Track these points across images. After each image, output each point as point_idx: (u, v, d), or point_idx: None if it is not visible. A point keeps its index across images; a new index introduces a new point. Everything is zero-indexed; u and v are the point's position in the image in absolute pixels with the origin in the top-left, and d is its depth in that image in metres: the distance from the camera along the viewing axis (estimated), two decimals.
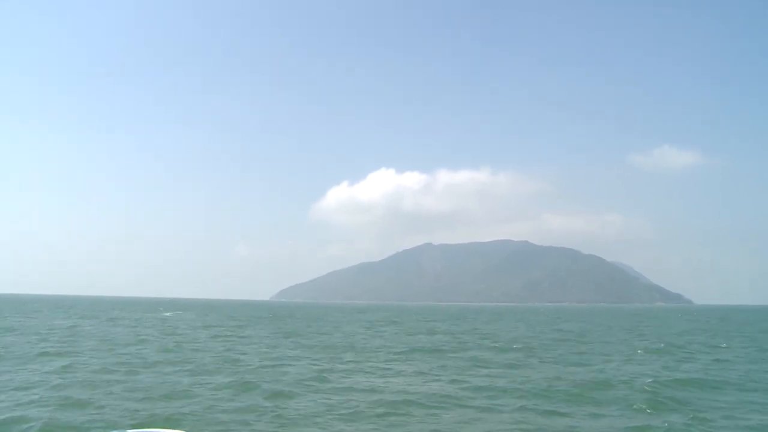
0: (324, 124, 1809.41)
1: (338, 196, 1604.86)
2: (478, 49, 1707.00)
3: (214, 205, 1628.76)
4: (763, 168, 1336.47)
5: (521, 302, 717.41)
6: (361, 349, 40.88)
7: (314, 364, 31.60)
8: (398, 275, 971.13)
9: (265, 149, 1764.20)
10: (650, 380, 26.41)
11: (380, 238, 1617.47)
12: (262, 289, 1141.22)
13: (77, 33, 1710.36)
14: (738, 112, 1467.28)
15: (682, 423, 18.75)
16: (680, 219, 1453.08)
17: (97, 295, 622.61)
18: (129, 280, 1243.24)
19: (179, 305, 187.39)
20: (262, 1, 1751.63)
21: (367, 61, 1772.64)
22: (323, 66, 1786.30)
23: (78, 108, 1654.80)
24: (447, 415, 19.77)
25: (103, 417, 18.07)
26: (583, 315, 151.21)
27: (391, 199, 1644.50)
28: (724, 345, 49.36)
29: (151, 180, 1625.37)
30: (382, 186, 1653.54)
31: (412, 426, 18.34)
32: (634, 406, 21.21)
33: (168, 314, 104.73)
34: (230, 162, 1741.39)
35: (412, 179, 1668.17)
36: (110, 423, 17.30)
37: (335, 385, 25.13)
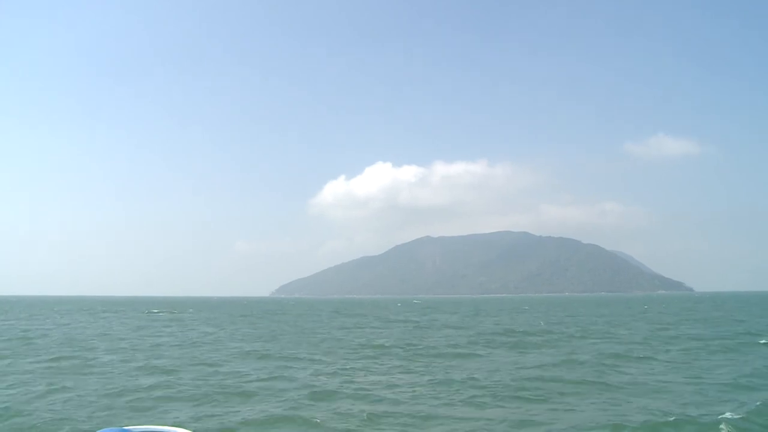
0: (319, 119, 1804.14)
1: (335, 190, 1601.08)
2: (473, 41, 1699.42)
3: (211, 201, 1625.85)
4: (757, 154, 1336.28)
5: (522, 293, 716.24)
6: (360, 351, 37.87)
7: (303, 369, 28.65)
8: (397, 269, 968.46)
9: (261, 145, 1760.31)
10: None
11: (379, 232, 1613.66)
12: (262, 285, 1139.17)
13: (74, 33, 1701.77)
14: (732, 100, 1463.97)
15: None
16: (678, 207, 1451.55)
17: (95, 296, 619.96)
18: (127, 280, 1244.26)
19: (174, 304, 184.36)
20: None
21: (362, 54, 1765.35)
22: (318, 60, 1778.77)
23: (75, 105, 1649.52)
24: None
25: None
26: (595, 305, 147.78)
27: (388, 193, 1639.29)
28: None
29: (149, 178, 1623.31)
30: (380, 179, 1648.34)
31: None
32: None
33: (157, 312, 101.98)
34: (226, 158, 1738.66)
35: (410, 172, 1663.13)
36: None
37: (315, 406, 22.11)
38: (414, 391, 22.91)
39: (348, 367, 29.67)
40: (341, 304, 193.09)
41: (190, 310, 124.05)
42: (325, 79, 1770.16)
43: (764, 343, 38.62)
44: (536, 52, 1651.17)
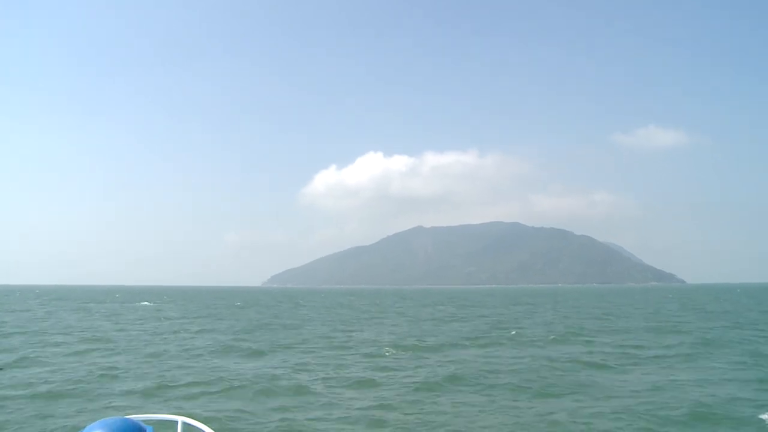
0: (311, 109, 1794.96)
1: (326, 180, 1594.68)
2: (463, 32, 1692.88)
3: (203, 192, 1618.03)
4: (748, 145, 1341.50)
5: (512, 284, 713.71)
6: (356, 348, 32.27)
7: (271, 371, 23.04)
8: (389, 258, 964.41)
9: (251, 135, 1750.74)
10: None
11: (370, 221, 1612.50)
12: (254, 275, 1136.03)
13: (72, 26, 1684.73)
14: (722, 91, 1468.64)
15: None
16: (668, 198, 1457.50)
17: (93, 285, 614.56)
18: (125, 269, 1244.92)
19: (162, 294, 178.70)
20: None
21: (354, 46, 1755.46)
22: (310, 52, 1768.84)
23: (69, 97, 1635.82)
24: None
25: None
26: (595, 298, 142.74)
27: (380, 183, 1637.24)
28: None
29: (145, 172, 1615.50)
30: (371, 169, 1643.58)
31: None
32: None
33: (146, 303, 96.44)
34: (217, 150, 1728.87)
35: (401, 162, 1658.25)
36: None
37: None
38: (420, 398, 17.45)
39: (337, 364, 24.12)
40: (332, 295, 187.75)
41: (179, 300, 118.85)
42: (317, 70, 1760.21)
43: None
44: (527, 43, 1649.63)
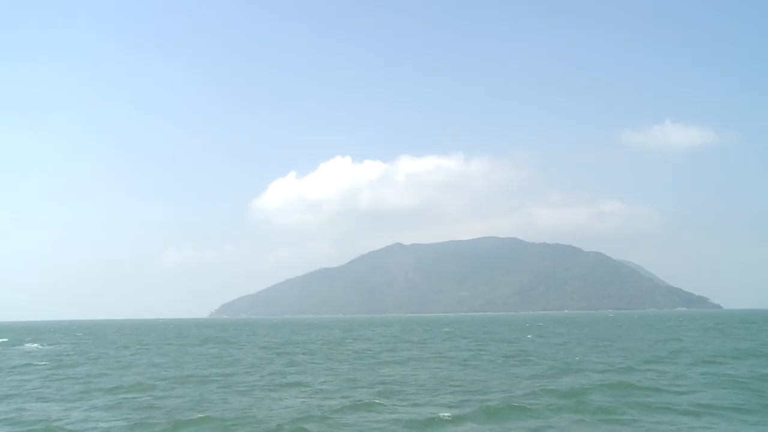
0: (266, 106, 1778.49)
1: (284, 190, 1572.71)
2: (445, 11, 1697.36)
3: (135, 204, 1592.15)
4: None
5: (512, 310, 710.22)
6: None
7: None
8: (362, 283, 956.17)
9: (197, 136, 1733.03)
10: None
11: (339, 239, 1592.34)
12: (201, 305, 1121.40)
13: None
14: (750, 77, 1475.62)
15: None
16: (693, 207, 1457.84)
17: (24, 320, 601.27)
18: (47, 302, 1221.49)
19: (82, 330, 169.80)
20: None
21: (321, 36, 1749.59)
22: (270, 40, 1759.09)
23: None
24: None
25: None
26: (621, 327, 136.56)
27: (348, 194, 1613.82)
28: None
29: (64, 182, 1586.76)
30: (338, 178, 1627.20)
31: None
32: None
33: (33, 345, 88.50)
34: (146, 149, 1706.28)
35: (373, 169, 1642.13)
36: None
37: None
38: None
39: None
40: (290, 326, 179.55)
41: (86, 340, 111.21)
42: (277, 61, 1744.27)
43: None
44: (517, 23, 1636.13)
